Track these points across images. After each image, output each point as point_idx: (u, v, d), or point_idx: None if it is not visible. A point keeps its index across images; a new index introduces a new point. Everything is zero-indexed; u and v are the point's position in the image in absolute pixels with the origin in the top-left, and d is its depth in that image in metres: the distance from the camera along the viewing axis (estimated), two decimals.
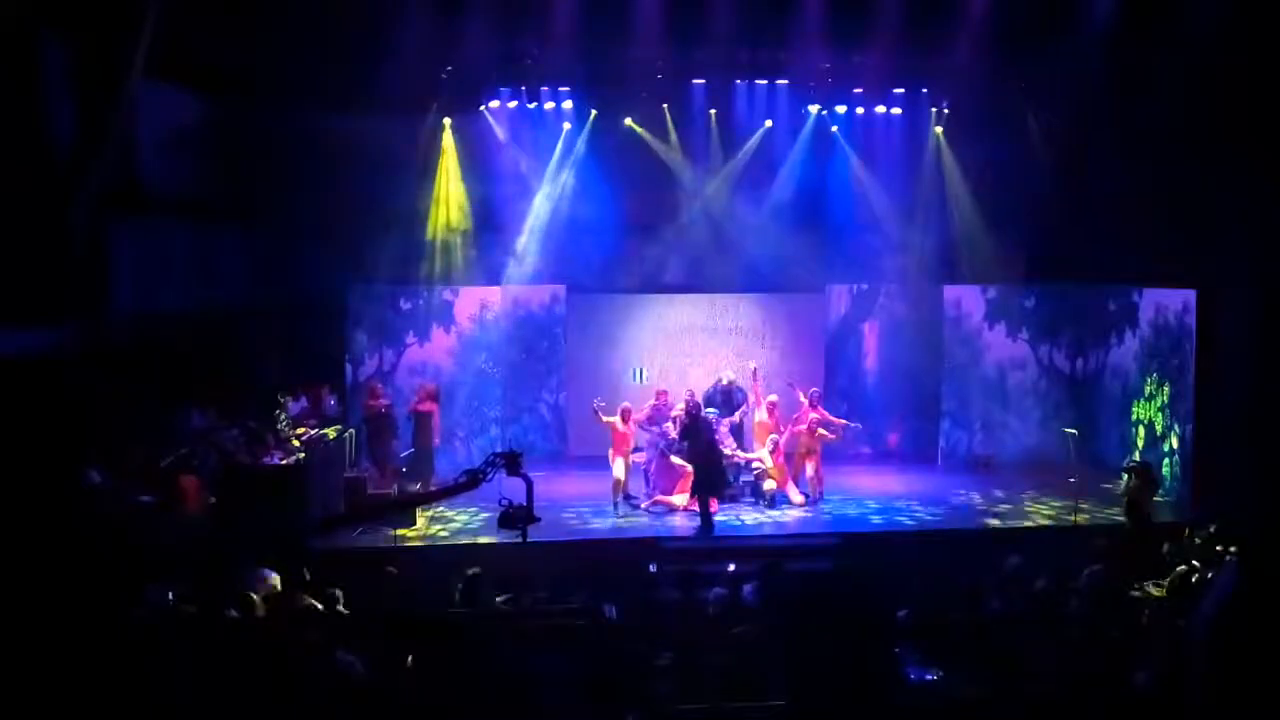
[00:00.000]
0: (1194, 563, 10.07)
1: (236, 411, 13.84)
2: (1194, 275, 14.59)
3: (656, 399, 15.01)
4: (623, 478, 14.41)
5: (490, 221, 17.38)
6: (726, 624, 8.92)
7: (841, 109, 17.75)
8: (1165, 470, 14.92)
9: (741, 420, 15.40)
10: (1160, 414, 15.44)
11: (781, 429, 14.85)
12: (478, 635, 8.46)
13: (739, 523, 14.02)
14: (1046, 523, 14.09)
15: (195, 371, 13.80)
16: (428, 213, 17.12)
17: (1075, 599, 9.26)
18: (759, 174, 17.93)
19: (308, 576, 9.60)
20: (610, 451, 14.53)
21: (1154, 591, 9.82)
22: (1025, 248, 17.46)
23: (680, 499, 14.26)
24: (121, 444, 12.11)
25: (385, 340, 16.72)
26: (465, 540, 13.28)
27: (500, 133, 17.34)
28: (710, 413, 14.48)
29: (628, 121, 17.45)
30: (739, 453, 15.04)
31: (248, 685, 7.21)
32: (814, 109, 17.72)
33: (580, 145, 17.39)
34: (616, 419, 14.48)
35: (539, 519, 8.38)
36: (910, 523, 14.15)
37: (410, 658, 7.88)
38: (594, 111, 17.28)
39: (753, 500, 14.78)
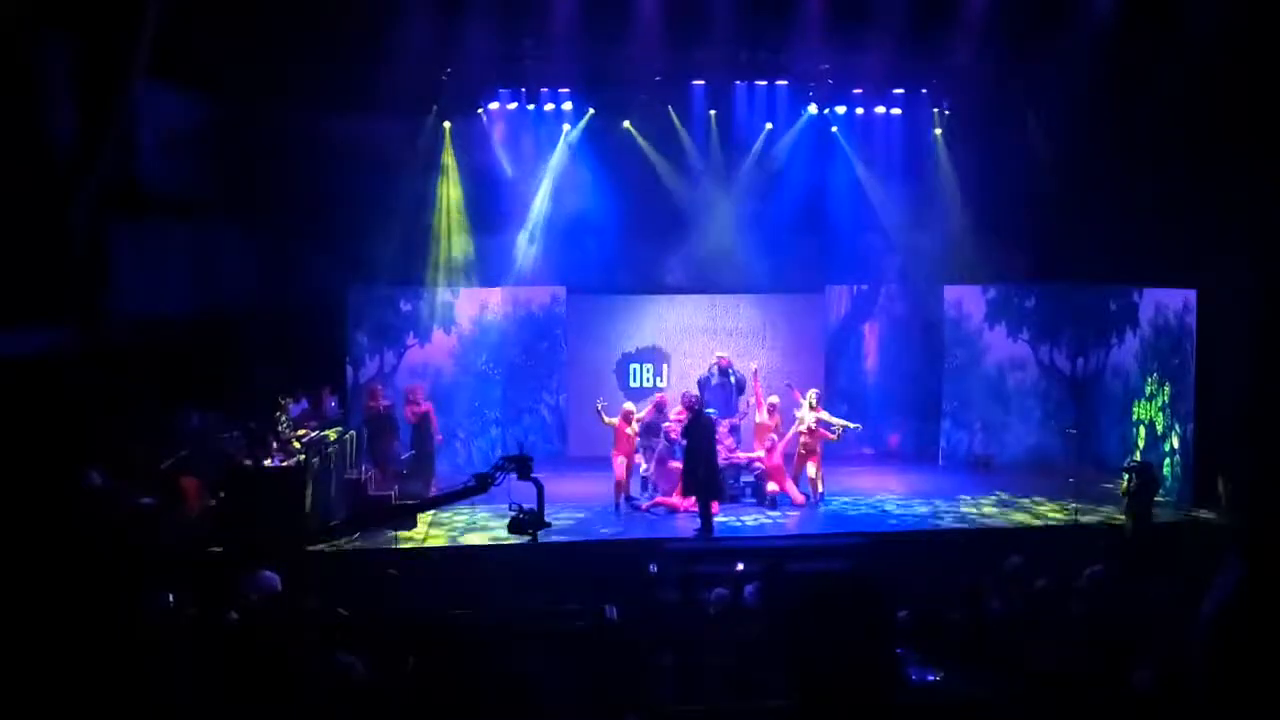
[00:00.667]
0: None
1: (237, 413, 13.83)
2: (1194, 275, 14.58)
3: (655, 401, 15.06)
4: (624, 479, 14.42)
5: (490, 223, 17.37)
6: (727, 625, 8.91)
7: (842, 109, 17.75)
8: (1166, 470, 14.91)
9: (746, 411, 15.38)
10: (1161, 414, 15.43)
11: (781, 430, 14.84)
12: (479, 637, 8.45)
13: (739, 524, 14.01)
14: (1047, 522, 14.08)
15: (195, 373, 13.78)
16: (428, 214, 17.12)
17: (1076, 599, 9.26)
18: (759, 175, 17.92)
19: (308, 578, 9.59)
20: (612, 452, 14.53)
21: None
22: (1025, 248, 17.44)
23: (681, 500, 14.25)
24: (122, 445, 12.10)
25: (386, 342, 16.72)
26: (466, 542, 13.30)
27: (500, 134, 17.33)
28: (711, 413, 14.47)
29: (625, 125, 17.45)
30: (738, 453, 15.03)
31: (248, 687, 7.20)
32: (814, 109, 17.72)
33: (580, 146, 17.38)
34: (618, 420, 14.48)
35: (550, 524, 8.35)
36: (911, 523, 14.14)
37: (411, 659, 7.87)
38: (593, 112, 17.27)
39: (753, 501, 14.78)
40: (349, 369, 16.39)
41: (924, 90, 17.71)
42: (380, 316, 16.67)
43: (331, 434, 14.62)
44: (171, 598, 8.62)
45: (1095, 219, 16.05)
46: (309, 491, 12.77)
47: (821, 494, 14.79)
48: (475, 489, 7.93)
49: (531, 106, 17.21)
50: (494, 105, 17.17)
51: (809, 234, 17.73)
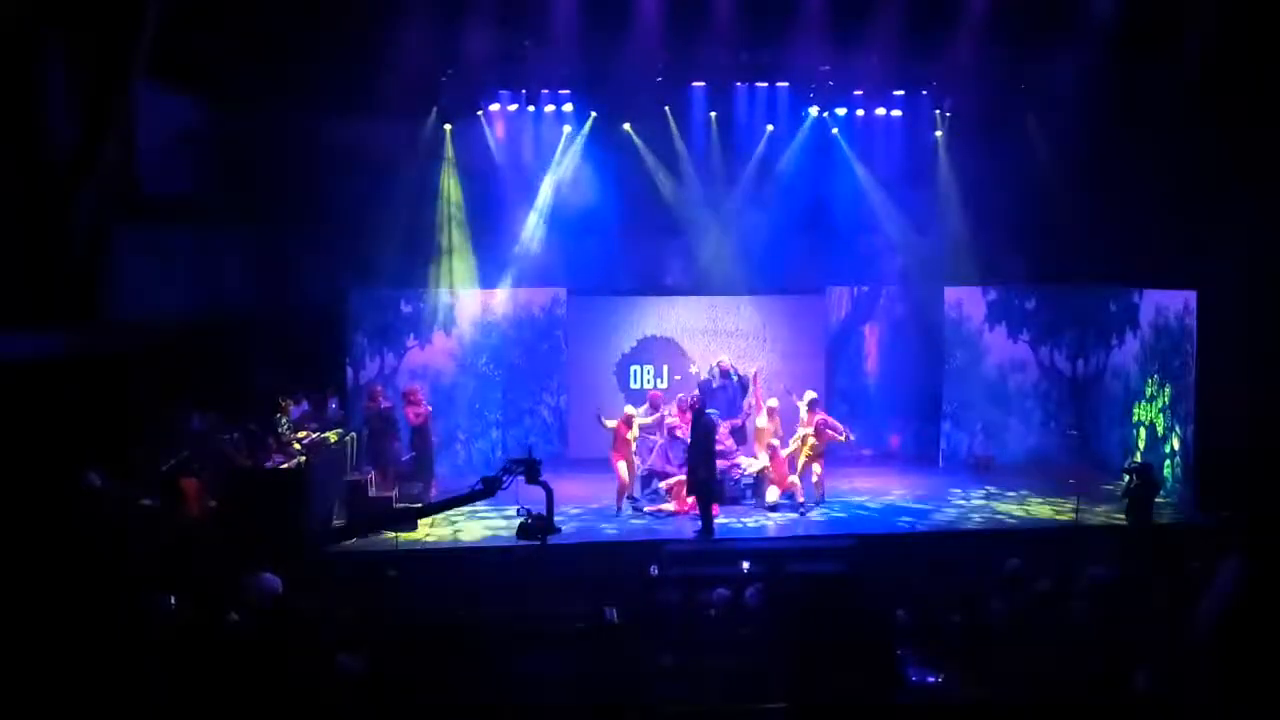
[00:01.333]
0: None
1: (237, 415, 13.82)
2: (1194, 275, 14.57)
3: (650, 402, 15.09)
4: (626, 480, 14.41)
5: (491, 224, 17.36)
6: (728, 626, 8.90)
7: (842, 111, 17.74)
8: (1166, 471, 14.90)
9: (749, 412, 15.37)
10: (1161, 415, 15.42)
11: (781, 433, 14.82)
12: (479, 637, 8.45)
13: (740, 525, 14.00)
14: (1047, 523, 14.07)
15: (196, 374, 13.78)
16: (428, 216, 17.11)
17: (1076, 600, 9.25)
18: (760, 176, 17.91)
19: (308, 579, 9.59)
20: (612, 454, 14.52)
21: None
22: (1026, 249, 17.45)
23: (681, 503, 14.24)
24: (122, 447, 12.08)
25: (386, 343, 16.72)
26: (466, 534, 13.30)
27: (500, 135, 17.32)
28: (712, 413, 14.46)
29: (626, 126, 17.44)
30: (739, 455, 15.02)
31: (248, 688, 7.19)
32: (814, 111, 17.71)
33: (580, 148, 17.38)
34: (618, 421, 14.47)
35: (559, 529, 8.29)
36: (912, 524, 14.13)
37: (411, 660, 7.87)
38: (594, 114, 17.26)
39: (754, 503, 14.77)
40: (349, 370, 16.39)
41: (924, 92, 17.69)
42: (380, 318, 16.67)
43: (332, 435, 14.61)
44: (173, 599, 8.62)
45: (1096, 220, 16.05)
46: (309, 493, 12.75)
47: (823, 496, 14.78)
48: (482, 493, 7.90)
49: (531, 108, 17.18)
50: (494, 107, 17.15)
51: (809, 235, 17.73)
